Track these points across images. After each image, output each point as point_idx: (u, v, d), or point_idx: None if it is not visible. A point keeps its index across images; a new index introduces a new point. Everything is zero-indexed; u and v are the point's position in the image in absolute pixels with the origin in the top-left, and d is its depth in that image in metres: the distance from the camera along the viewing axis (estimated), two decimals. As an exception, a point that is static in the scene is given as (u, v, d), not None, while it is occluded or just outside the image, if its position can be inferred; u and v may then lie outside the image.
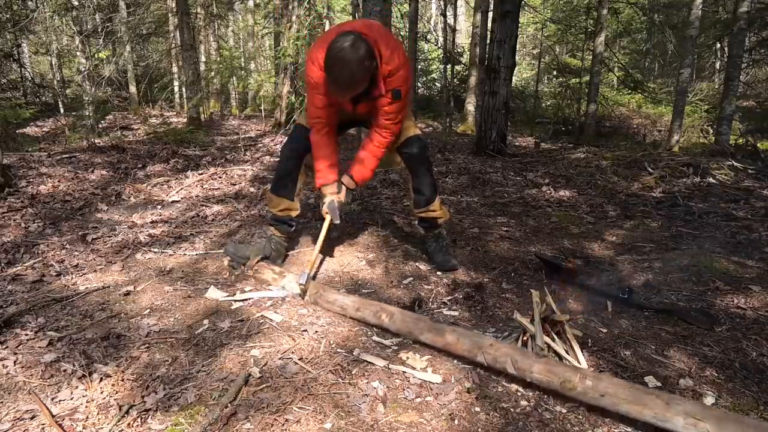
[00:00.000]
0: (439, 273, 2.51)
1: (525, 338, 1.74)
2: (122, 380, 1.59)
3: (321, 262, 2.57)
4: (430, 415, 1.46)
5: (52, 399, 1.51)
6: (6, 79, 9.55)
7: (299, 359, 1.72)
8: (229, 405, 1.46)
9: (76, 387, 1.56)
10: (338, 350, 1.78)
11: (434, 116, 12.23)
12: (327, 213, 2.33)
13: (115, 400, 1.50)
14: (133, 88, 11.92)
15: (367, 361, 1.71)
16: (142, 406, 1.47)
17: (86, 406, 1.48)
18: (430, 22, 19.85)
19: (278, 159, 2.53)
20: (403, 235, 3.05)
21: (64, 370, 1.64)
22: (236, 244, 2.52)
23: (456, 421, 1.44)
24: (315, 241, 2.85)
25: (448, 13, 11.85)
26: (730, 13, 10.65)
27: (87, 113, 6.66)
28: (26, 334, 1.85)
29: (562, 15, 15.11)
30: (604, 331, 1.97)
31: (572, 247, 2.96)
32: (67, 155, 5.24)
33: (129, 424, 1.40)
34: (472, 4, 11.60)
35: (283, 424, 1.40)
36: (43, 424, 1.40)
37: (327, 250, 2.73)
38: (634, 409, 1.35)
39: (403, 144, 2.40)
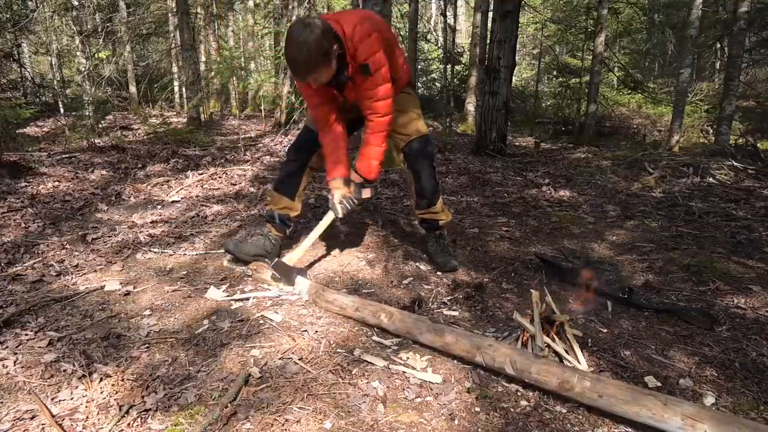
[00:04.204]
0: (439, 273, 2.51)
1: (525, 338, 1.74)
2: (122, 380, 1.59)
3: (311, 263, 2.58)
4: (430, 415, 1.46)
5: (52, 399, 1.51)
6: (6, 79, 9.54)
7: (299, 359, 1.72)
8: (229, 405, 1.46)
9: (76, 387, 1.56)
10: (338, 350, 1.78)
11: (434, 116, 12.22)
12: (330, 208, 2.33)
13: (115, 400, 1.50)
14: (133, 88, 11.91)
15: (367, 361, 1.71)
16: (142, 406, 1.47)
17: (86, 406, 1.48)
18: (430, 22, 19.85)
19: (284, 158, 2.54)
20: (403, 235, 3.05)
21: (64, 370, 1.64)
22: (236, 241, 2.52)
23: (456, 421, 1.44)
24: (314, 242, 2.85)
25: (448, 13, 11.85)
26: (730, 13, 10.65)
27: (87, 113, 6.65)
28: (26, 334, 1.85)
29: (562, 15, 15.12)
30: (604, 331, 1.98)
31: (572, 247, 2.96)
32: (67, 155, 5.24)
33: (129, 424, 1.40)
34: (472, 4, 11.60)
35: (283, 424, 1.40)
36: (43, 424, 1.40)
37: (327, 250, 2.73)
38: (632, 410, 1.35)
39: (407, 144, 2.39)
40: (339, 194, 2.32)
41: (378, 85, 2.12)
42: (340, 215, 2.34)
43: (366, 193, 2.36)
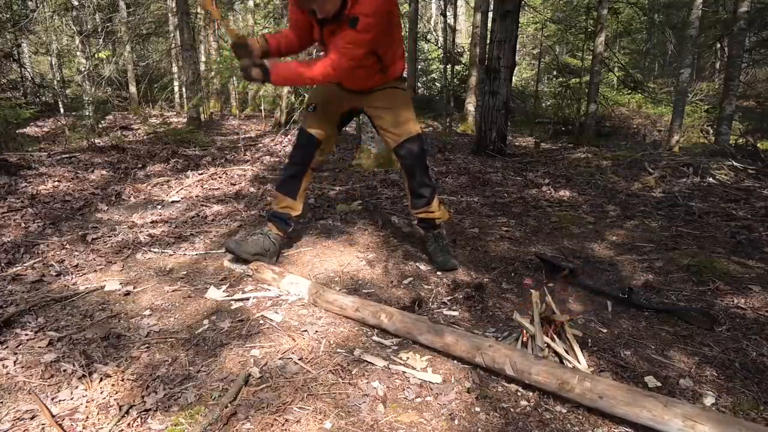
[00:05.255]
0: (439, 273, 2.51)
1: (525, 338, 1.74)
2: (122, 380, 1.59)
3: (311, 263, 2.57)
4: (430, 415, 1.46)
5: (52, 399, 1.51)
6: (6, 79, 9.54)
7: (299, 359, 1.72)
8: (229, 405, 1.46)
9: (76, 387, 1.56)
10: (338, 350, 1.78)
11: (434, 116, 12.23)
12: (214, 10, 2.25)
13: (115, 400, 1.50)
14: (133, 88, 11.92)
15: (367, 361, 1.71)
16: (142, 406, 1.47)
17: (86, 406, 1.48)
18: (430, 22, 19.85)
19: (285, 158, 2.55)
20: (403, 235, 3.05)
21: (64, 370, 1.64)
22: (237, 240, 2.52)
23: (456, 421, 1.44)
24: (314, 242, 2.86)
25: (448, 13, 11.85)
26: (730, 13, 10.65)
27: (87, 113, 6.66)
28: (26, 334, 1.85)
29: (562, 15, 15.12)
30: (604, 331, 1.98)
31: (572, 247, 2.96)
32: (67, 155, 5.24)
33: (129, 424, 1.40)
34: (472, 4, 11.60)
35: (283, 424, 1.40)
36: (43, 424, 1.40)
37: (327, 250, 2.73)
38: (632, 411, 1.35)
39: (400, 145, 2.39)
40: (249, 44, 2.14)
41: (355, 43, 2.04)
42: (220, 23, 2.20)
43: (254, 73, 2.12)
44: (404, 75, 2.52)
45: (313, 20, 2.14)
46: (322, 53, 2.26)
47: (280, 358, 1.72)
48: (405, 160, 2.43)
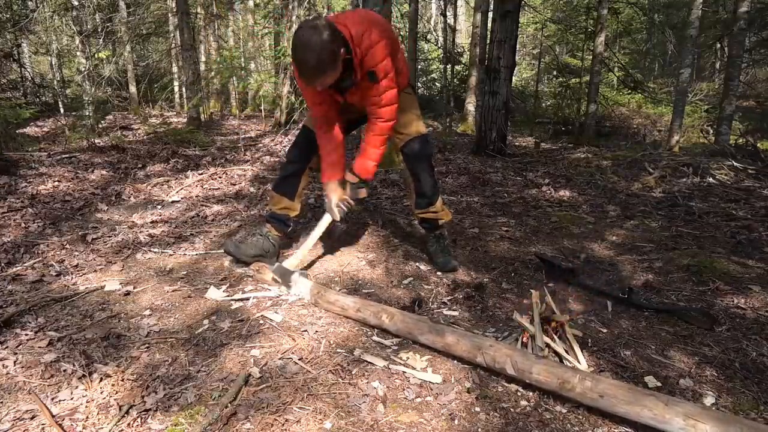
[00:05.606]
0: (439, 273, 2.51)
1: (525, 338, 1.74)
2: (122, 380, 1.59)
3: (311, 263, 2.58)
4: (430, 415, 1.46)
5: (52, 399, 1.51)
6: (6, 79, 9.54)
7: (299, 359, 1.72)
8: (229, 405, 1.46)
9: (76, 387, 1.56)
10: (338, 350, 1.78)
11: (434, 116, 12.23)
12: (328, 212, 2.34)
13: (115, 400, 1.50)
14: (133, 88, 11.91)
15: (367, 361, 1.71)
16: (142, 406, 1.47)
17: (86, 406, 1.48)
18: (430, 22, 19.85)
19: (284, 158, 2.55)
20: (403, 235, 3.05)
21: (64, 370, 1.64)
22: (236, 242, 2.51)
23: (456, 421, 1.44)
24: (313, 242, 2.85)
25: (448, 13, 11.85)
26: (730, 13, 10.65)
27: (87, 113, 6.66)
28: (26, 334, 1.85)
29: (562, 15, 15.12)
30: (604, 331, 1.98)
31: (572, 247, 2.96)
32: (67, 155, 5.24)
33: (129, 424, 1.40)
34: (472, 4, 11.60)
35: (283, 424, 1.40)
36: (43, 424, 1.40)
37: (327, 250, 2.73)
38: (633, 410, 1.34)
39: (406, 144, 2.39)
40: (335, 197, 2.32)
41: (384, 92, 2.13)
42: (338, 219, 2.34)
43: (362, 194, 2.36)
44: (411, 81, 2.54)
45: (332, 97, 2.22)
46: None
47: (280, 358, 1.72)
48: (410, 160, 2.43)
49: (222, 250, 2.61)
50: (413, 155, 2.41)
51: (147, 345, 1.81)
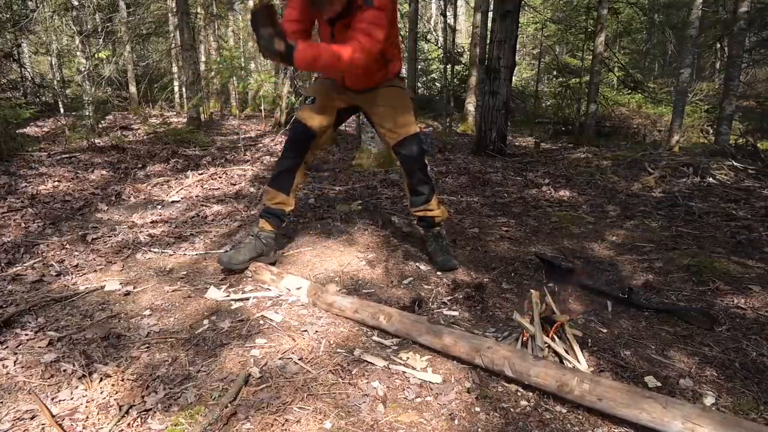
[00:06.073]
0: (439, 273, 2.51)
1: (525, 338, 1.74)
2: (122, 380, 1.59)
3: (310, 263, 2.57)
4: (430, 415, 1.46)
5: (52, 399, 1.51)
6: (6, 79, 9.54)
7: (299, 359, 1.72)
8: (229, 405, 1.46)
9: (76, 387, 1.56)
10: (338, 350, 1.78)
11: (434, 116, 12.23)
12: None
13: (115, 400, 1.50)
14: (133, 88, 11.91)
15: (367, 361, 1.71)
16: (142, 406, 1.47)
17: (86, 406, 1.48)
18: (430, 22, 19.84)
19: (280, 155, 2.53)
20: (403, 235, 3.05)
21: (64, 370, 1.64)
22: (228, 253, 2.42)
23: (456, 421, 1.44)
24: (314, 242, 2.85)
25: (448, 13, 11.84)
26: (730, 13, 10.65)
27: (87, 113, 6.66)
28: (26, 334, 1.85)
29: (562, 15, 15.12)
30: (604, 331, 1.97)
31: (572, 247, 2.96)
32: (67, 155, 5.24)
33: (129, 424, 1.40)
34: (472, 4, 11.60)
35: (283, 424, 1.40)
36: (43, 424, 1.40)
37: (327, 250, 2.73)
38: (632, 412, 1.34)
39: (399, 144, 2.40)
40: (268, 29, 1.96)
41: (376, 22, 2.03)
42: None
43: (279, 45, 1.94)
44: (402, 74, 2.53)
45: (321, 22, 2.15)
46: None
47: (280, 358, 1.72)
48: (404, 158, 2.43)
49: (217, 262, 2.56)
50: (407, 154, 2.41)
51: (147, 345, 1.81)
